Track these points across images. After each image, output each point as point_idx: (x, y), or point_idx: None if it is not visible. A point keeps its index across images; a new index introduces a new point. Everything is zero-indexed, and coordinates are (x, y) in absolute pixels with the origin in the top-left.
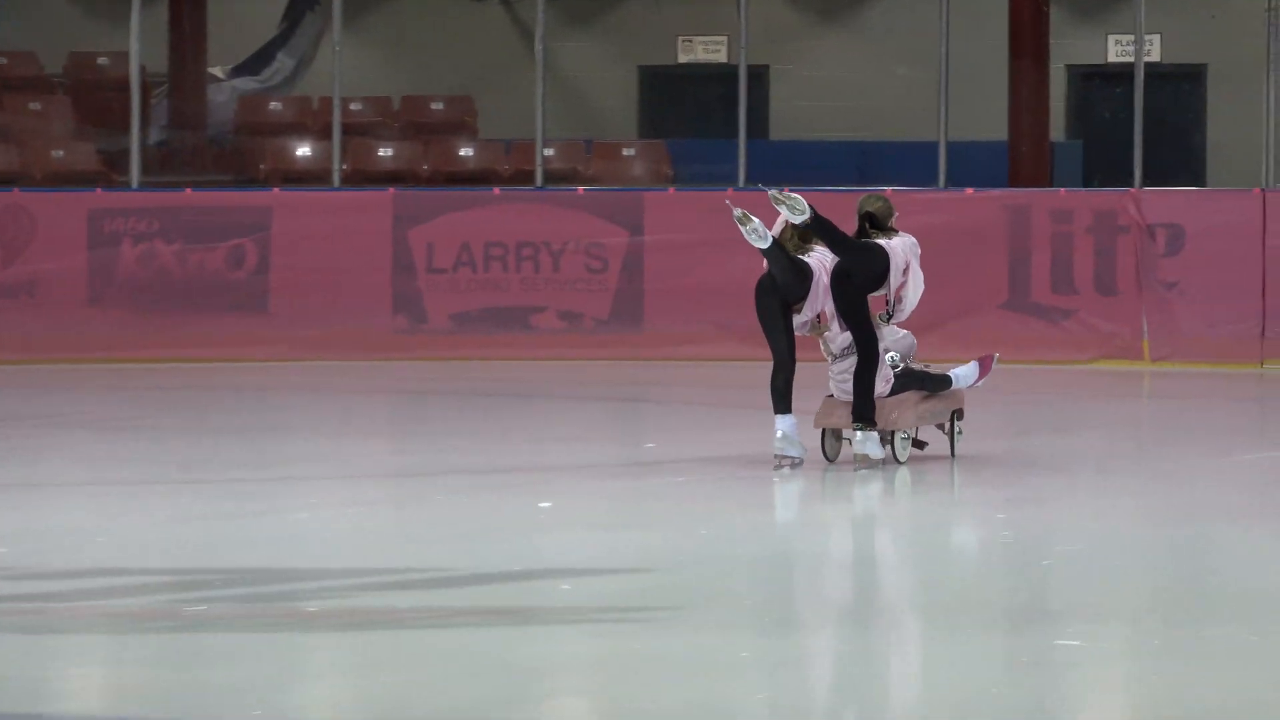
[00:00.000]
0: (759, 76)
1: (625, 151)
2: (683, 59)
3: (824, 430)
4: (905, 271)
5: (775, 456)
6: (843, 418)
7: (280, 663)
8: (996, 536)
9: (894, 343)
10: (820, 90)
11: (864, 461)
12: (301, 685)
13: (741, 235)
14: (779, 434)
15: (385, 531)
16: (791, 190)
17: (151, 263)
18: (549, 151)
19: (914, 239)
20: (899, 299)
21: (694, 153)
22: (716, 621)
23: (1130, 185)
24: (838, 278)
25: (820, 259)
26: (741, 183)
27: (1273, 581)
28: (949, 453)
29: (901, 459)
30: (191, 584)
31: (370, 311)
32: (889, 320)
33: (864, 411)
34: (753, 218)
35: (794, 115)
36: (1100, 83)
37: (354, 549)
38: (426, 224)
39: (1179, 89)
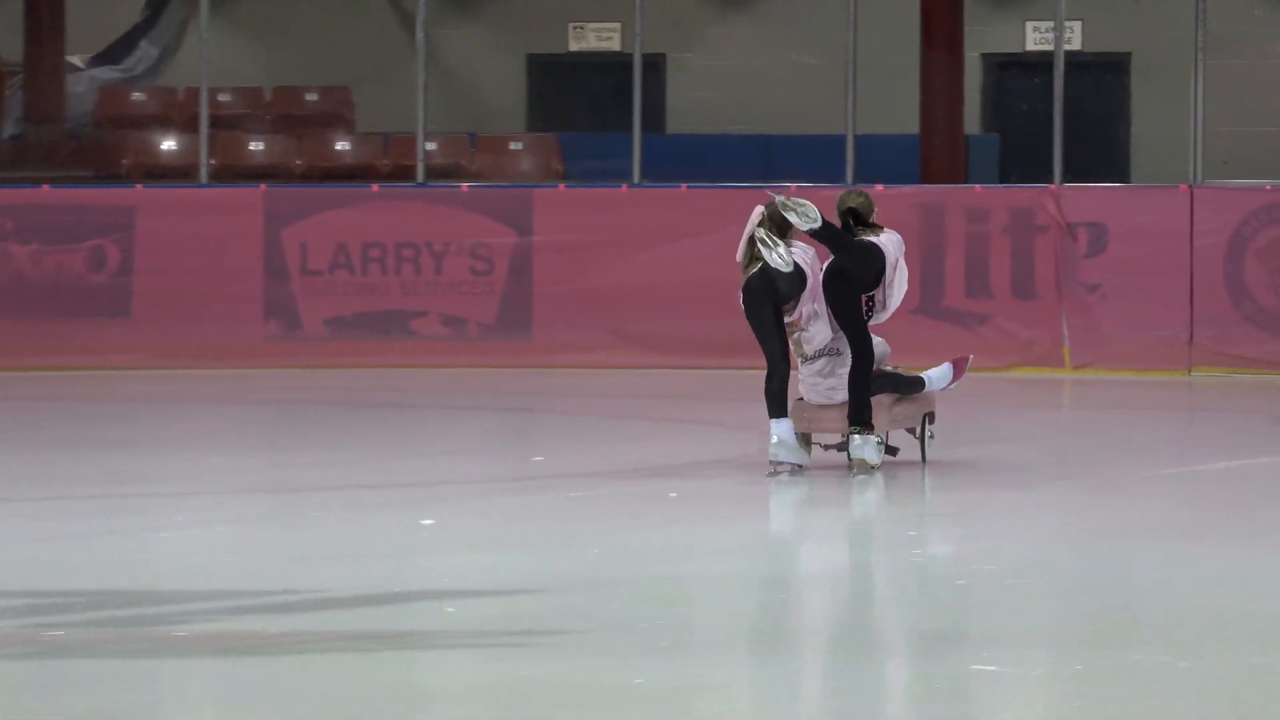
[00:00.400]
0: (655, 66)
1: (512, 145)
2: (574, 47)
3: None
4: (894, 269)
5: (771, 463)
6: (818, 421)
7: (147, 691)
8: (909, 555)
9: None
10: (720, 81)
11: (862, 467)
12: (170, 715)
13: (763, 258)
14: (775, 439)
15: (257, 551)
16: (794, 196)
17: (6, 265)
18: (431, 146)
19: (899, 236)
20: (885, 298)
21: (586, 147)
22: (609, 647)
23: (1050, 182)
24: (833, 277)
25: (802, 257)
26: (636, 179)
27: (1201, 603)
28: (919, 458)
29: (875, 463)
30: (50, 607)
31: (240, 317)
32: (869, 321)
33: (861, 414)
34: (778, 241)
35: (692, 107)
36: (1018, 73)
37: (224, 570)
38: (300, 223)
39: (1101, 79)
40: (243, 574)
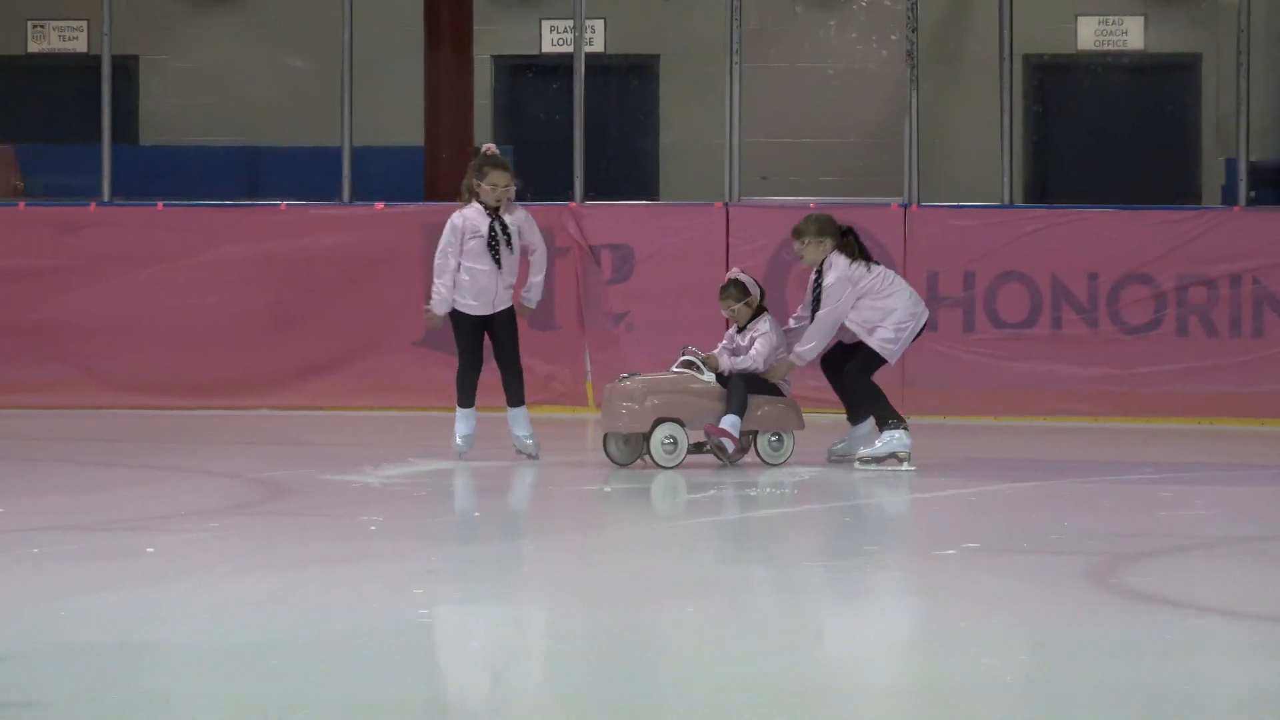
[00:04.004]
0: (126, 69)
1: None
2: (34, 48)
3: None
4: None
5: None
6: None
7: None
8: (416, 616)
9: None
10: (200, 86)
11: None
12: None
13: None
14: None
15: None
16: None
17: None
18: None
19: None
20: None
21: (48, 160)
22: None
23: (570, 199)
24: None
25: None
26: (106, 196)
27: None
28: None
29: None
30: None
31: None
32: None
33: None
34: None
35: (169, 116)
36: (534, 77)
37: None
38: None
39: (627, 84)
40: None
